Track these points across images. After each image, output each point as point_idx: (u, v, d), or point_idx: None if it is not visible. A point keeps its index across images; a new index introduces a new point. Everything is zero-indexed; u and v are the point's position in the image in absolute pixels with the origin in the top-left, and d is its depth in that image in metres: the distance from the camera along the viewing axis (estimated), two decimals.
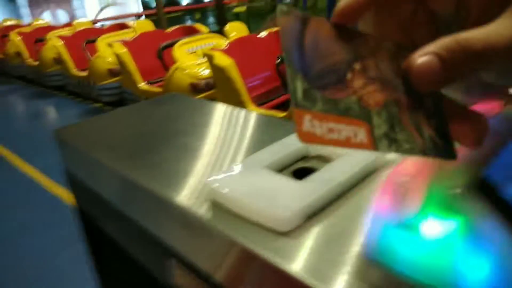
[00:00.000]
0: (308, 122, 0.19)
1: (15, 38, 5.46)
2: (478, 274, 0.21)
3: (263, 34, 2.67)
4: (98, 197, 0.53)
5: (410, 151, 0.19)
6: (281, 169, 0.39)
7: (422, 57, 0.18)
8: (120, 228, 0.53)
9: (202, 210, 0.36)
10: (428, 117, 0.19)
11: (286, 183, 0.35)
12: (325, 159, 0.39)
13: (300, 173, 0.38)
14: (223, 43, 2.62)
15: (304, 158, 0.42)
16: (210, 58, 2.33)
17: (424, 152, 0.18)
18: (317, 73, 0.21)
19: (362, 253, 0.26)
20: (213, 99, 2.43)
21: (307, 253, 0.29)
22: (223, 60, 2.28)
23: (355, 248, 0.28)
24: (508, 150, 0.24)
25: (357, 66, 0.20)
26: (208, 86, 2.62)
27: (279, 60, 2.26)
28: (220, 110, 0.60)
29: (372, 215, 0.24)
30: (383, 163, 0.37)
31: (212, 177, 0.37)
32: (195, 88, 2.65)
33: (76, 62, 4.29)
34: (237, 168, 0.37)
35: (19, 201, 2.77)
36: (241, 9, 7.26)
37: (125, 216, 0.48)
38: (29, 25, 6.60)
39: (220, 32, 3.24)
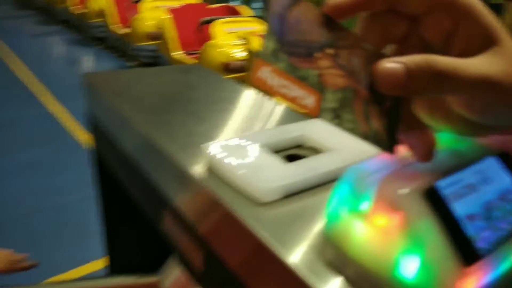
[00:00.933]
0: (264, 72, 0.22)
1: None
2: (410, 264, 0.24)
3: None
4: (113, 142, 0.58)
5: (351, 131, 0.21)
6: (276, 151, 0.43)
7: (391, 63, 0.20)
8: (127, 173, 0.58)
9: (197, 170, 0.40)
10: (381, 115, 0.21)
11: (275, 162, 0.38)
12: (316, 151, 0.43)
13: (292, 158, 0.42)
14: (263, 29, 2.63)
15: (300, 146, 0.45)
16: (247, 42, 2.36)
17: (364, 136, 0.21)
18: (290, 41, 0.24)
19: (322, 232, 0.29)
20: (243, 82, 2.46)
21: (277, 223, 0.33)
22: (260, 46, 2.31)
23: (318, 226, 0.32)
24: (466, 170, 0.27)
25: (329, 51, 0.22)
26: (240, 69, 2.66)
27: None
28: (237, 90, 0.64)
29: (332, 201, 0.28)
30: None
31: (210, 143, 0.41)
32: (227, 68, 2.69)
33: (122, 18, 4.39)
34: (236, 140, 0.41)
35: (41, 137, 2.90)
36: None
37: (133, 161, 0.53)
38: None
39: (264, 18, 3.25)
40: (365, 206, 0.26)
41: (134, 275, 0.56)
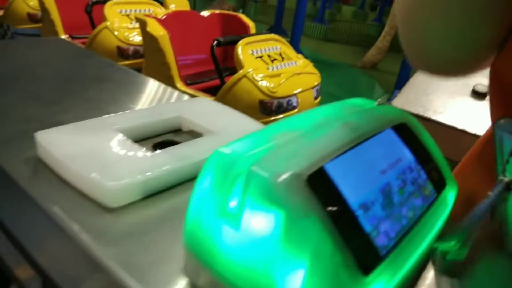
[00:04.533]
0: None
1: None
2: (294, 280, 0.17)
3: (205, 13, 2.56)
4: None
5: None
6: (141, 138, 0.33)
7: None
8: None
9: (22, 168, 0.29)
10: None
11: (132, 153, 0.29)
12: (195, 135, 0.34)
13: (161, 147, 0.33)
14: (160, 12, 2.47)
15: (177, 130, 0.37)
16: (143, 25, 2.17)
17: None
18: None
19: (183, 244, 0.21)
20: (140, 68, 2.26)
21: (128, 242, 0.24)
22: (157, 30, 2.14)
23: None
24: (360, 147, 0.21)
25: None
26: (136, 54, 2.45)
27: (215, 43, 2.18)
28: (102, 62, 0.53)
29: (193, 200, 0.20)
30: None
31: (44, 130, 0.30)
32: (122, 53, 2.45)
33: None
34: (79, 126, 0.31)
35: None
36: None
37: None
38: None
39: (159, 1, 3.04)
40: (234, 204, 0.18)
41: None
